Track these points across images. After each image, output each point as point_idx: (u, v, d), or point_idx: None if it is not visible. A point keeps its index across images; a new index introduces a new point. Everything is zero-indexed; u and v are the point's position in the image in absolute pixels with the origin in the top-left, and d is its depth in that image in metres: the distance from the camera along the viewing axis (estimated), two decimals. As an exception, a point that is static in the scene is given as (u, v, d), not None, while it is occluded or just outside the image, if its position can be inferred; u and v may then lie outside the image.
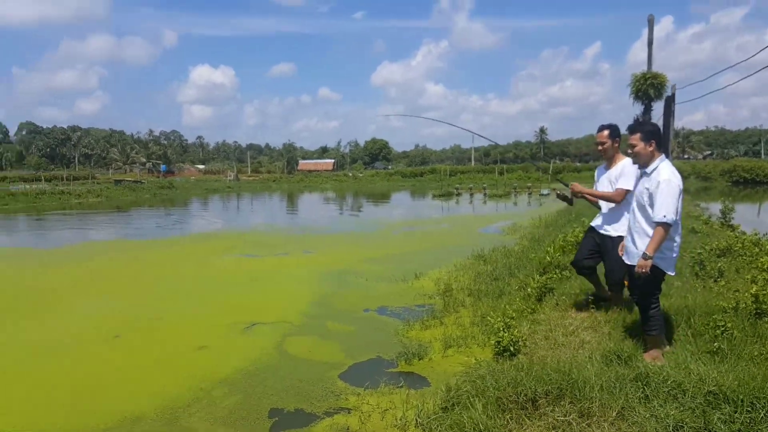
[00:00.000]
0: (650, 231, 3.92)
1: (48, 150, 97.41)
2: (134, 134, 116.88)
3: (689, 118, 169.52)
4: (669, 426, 3.02)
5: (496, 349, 4.69)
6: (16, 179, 56.90)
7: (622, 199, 4.77)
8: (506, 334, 4.61)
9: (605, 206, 5.01)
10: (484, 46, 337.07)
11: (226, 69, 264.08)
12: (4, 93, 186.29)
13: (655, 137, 4.05)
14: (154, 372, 5.15)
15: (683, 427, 3.02)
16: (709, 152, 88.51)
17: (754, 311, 4.37)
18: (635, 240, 4.08)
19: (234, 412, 4.28)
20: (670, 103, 16.62)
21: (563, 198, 5.50)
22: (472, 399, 3.55)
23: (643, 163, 4.07)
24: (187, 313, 7.20)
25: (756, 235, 7.93)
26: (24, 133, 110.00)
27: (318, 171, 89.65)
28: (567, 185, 5.30)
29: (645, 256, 3.83)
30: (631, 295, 4.32)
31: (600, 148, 5.01)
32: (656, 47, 18.63)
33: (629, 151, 4.16)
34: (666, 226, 3.81)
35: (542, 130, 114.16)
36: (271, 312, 7.10)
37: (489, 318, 5.42)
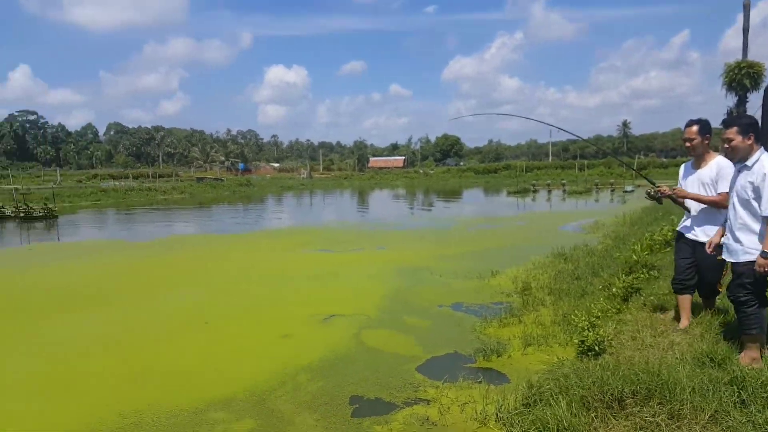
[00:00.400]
0: (756, 226, 3.82)
1: (134, 149, 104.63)
2: (213, 134, 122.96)
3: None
4: (769, 432, 2.87)
5: (580, 349, 4.58)
6: (105, 177, 60.99)
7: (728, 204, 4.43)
8: (591, 334, 4.49)
9: (696, 208, 4.77)
10: (562, 36, 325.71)
11: (298, 69, 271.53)
12: (94, 96, 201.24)
13: (753, 130, 3.90)
14: (242, 357, 5.44)
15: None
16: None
17: None
18: (738, 237, 3.94)
19: (317, 397, 4.45)
20: (768, 95, 15.35)
21: (653, 197, 5.25)
22: (555, 396, 3.51)
23: (741, 157, 3.95)
24: (270, 304, 7.55)
25: None
26: (112, 133, 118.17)
27: (388, 168, 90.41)
28: (654, 183, 5.14)
29: (764, 255, 3.68)
30: (729, 294, 4.12)
31: (688, 144, 4.73)
32: (752, 34, 17.36)
33: (725, 146, 4.00)
34: None
35: (625, 124, 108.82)
36: (348, 305, 7.30)
37: (572, 317, 5.29)
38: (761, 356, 3.81)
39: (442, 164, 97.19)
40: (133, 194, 37.46)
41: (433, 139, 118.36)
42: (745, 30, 18.42)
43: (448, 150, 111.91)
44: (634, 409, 3.28)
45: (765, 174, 3.71)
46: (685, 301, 4.91)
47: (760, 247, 3.77)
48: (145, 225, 20.13)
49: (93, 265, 11.10)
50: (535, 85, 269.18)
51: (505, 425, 3.71)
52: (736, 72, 17.61)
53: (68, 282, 9.44)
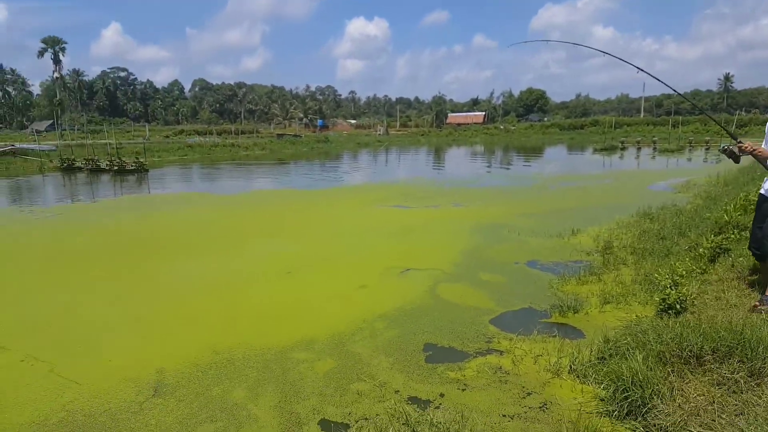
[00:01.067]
0: None
1: (217, 105, 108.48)
2: (293, 90, 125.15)
3: None
4: None
5: (661, 306, 4.49)
6: (191, 132, 63.04)
7: None
8: (673, 292, 4.39)
9: None
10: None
11: (379, 21, 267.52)
12: (180, 52, 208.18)
13: None
14: (322, 304, 5.80)
15: None
16: None
17: None
18: None
19: (393, 343, 4.70)
20: None
21: (730, 154, 4.68)
22: (631, 350, 3.53)
23: None
24: (348, 256, 7.88)
25: None
26: (197, 89, 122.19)
27: (467, 124, 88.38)
28: (736, 139, 4.64)
29: None
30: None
31: None
32: None
33: None
34: None
35: (727, 78, 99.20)
36: (423, 259, 7.48)
37: (655, 275, 5.16)
38: None
39: (525, 120, 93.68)
40: (217, 150, 39.22)
41: (516, 93, 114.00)
42: None
43: (532, 105, 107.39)
44: (712, 365, 3.24)
45: None
46: (765, 267, 4.54)
47: None
48: (229, 179, 21.24)
49: (185, 215, 11.98)
50: (631, 35, 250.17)
51: (578, 377, 3.78)
52: None
53: (164, 231, 10.29)
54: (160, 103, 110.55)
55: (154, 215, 12.30)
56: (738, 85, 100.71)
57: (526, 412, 3.45)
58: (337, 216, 11.56)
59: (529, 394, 3.69)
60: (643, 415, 3.11)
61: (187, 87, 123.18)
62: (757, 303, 4.19)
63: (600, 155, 31.04)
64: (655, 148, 34.54)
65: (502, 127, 76.36)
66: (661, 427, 2.95)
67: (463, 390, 3.81)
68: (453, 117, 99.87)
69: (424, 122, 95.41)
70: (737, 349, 3.24)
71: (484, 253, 7.74)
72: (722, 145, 4.68)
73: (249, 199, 14.97)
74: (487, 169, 25.02)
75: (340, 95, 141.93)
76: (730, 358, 3.23)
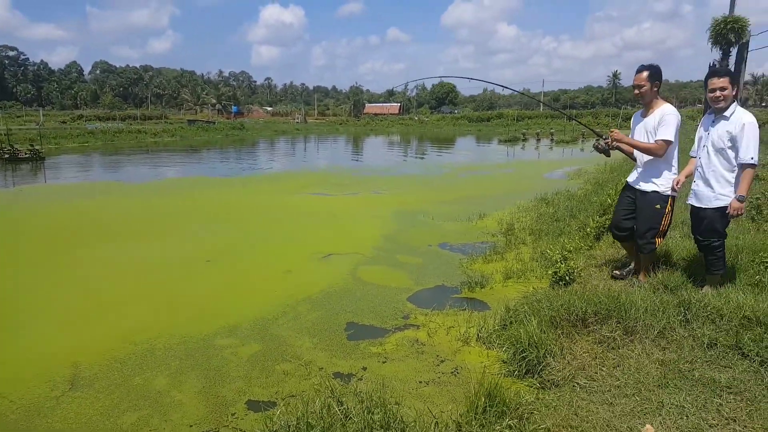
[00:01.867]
0: (729, 175, 4.03)
1: (121, 89, 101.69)
2: (204, 75, 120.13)
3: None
4: (704, 343, 3.40)
5: (553, 279, 5.10)
6: (91, 118, 58.54)
7: (663, 153, 4.36)
8: (563, 265, 5.01)
9: (641, 159, 4.61)
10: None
11: (295, 8, 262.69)
12: (79, 32, 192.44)
13: (737, 82, 4.14)
14: (246, 291, 5.91)
15: (716, 344, 3.39)
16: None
17: (807, 251, 4.52)
18: (712, 184, 4.12)
19: (316, 324, 4.94)
20: (743, 50, 15.85)
21: (601, 150, 4.89)
22: (528, 317, 4.02)
23: (726, 106, 4.04)
24: (271, 243, 8.00)
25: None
26: (98, 72, 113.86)
27: (384, 114, 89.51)
28: (602, 136, 4.85)
29: (741, 198, 3.94)
30: (702, 239, 4.26)
31: (637, 91, 4.52)
32: None
33: (717, 94, 4.01)
34: (754, 167, 3.92)
35: (615, 75, 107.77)
36: (345, 244, 7.77)
37: (548, 251, 5.80)
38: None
39: (438, 111, 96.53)
40: (122, 136, 36.83)
41: (429, 86, 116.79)
42: (733, -14, 18.47)
43: (443, 97, 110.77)
44: (595, 326, 3.80)
45: (744, 124, 3.90)
46: (627, 244, 4.96)
47: (731, 193, 4.03)
48: (138, 167, 20.28)
49: (97, 205, 11.41)
50: (533, 33, 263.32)
51: (484, 344, 4.25)
52: (722, 26, 17.77)
53: (75, 221, 9.77)
54: (55, 85, 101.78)
55: (64, 205, 11.59)
56: (625, 82, 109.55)
57: (439, 377, 3.85)
58: (258, 203, 11.54)
59: (442, 361, 4.09)
60: (539, 372, 3.60)
61: (87, 69, 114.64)
62: (617, 272, 4.99)
63: (504, 146, 32.86)
64: (552, 140, 37.07)
65: (416, 118, 78.18)
66: (554, 381, 3.44)
67: (384, 362, 4.14)
68: (370, 107, 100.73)
69: (342, 111, 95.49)
70: (614, 312, 3.83)
71: (401, 237, 8.17)
72: (594, 142, 4.99)
73: (162, 187, 14.47)
74: (403, 158, 25.68)
75: (255, 81, 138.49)
76: (609, 320, 3.81)
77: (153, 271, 6.63)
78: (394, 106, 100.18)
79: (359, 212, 10.35)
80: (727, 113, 4.05)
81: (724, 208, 4.08)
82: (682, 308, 3.75)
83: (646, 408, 2.91)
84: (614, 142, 4.67)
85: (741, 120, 3.94)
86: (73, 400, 3.69)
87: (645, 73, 4.42)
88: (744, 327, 3.41)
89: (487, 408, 2.89)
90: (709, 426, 2.70)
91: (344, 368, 4.07)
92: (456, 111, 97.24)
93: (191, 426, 3.38)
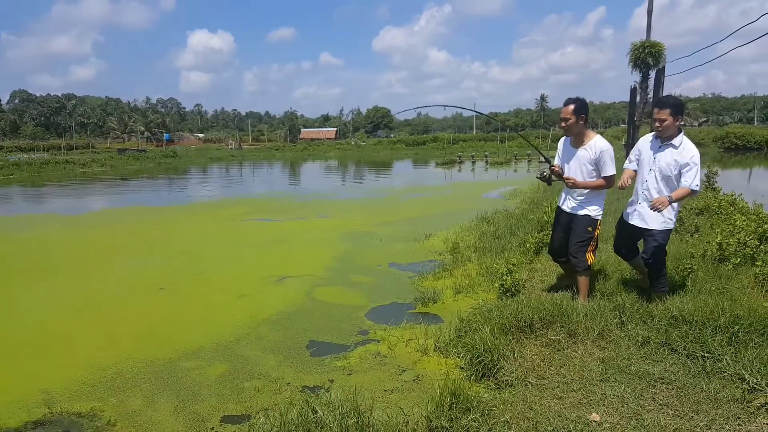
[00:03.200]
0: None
1: (42, 119, 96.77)
2: (131, 102, 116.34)
3: (687, 85, 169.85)
4: (638, 342, 3.88)
5: (500, 291, 5.52)
6: (12, 149, 55.98)
7: (612, 184, 4.60)
8: (509, 278, 5.43)
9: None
10: (488, 11, 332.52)
11: (224, 34, 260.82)
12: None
13: (681, 112, 4.26)
14: (204, 315, 5.96)
15: (649, 342, 3.87)
16: (705, 119, 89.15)
17: (718, 257, 5.19)
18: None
19: (279, 344, 5.09)
20: (660, 75, 17.42)
21: (545, 179, 5.08)
22: (481, 325, 4.38)
23: (668, 135, 4.28)
24: (222, 269, 8.02)
25: (732, 195, 8.73)
26: (17, 101, 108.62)
27: (320, 139, 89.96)
28: (550, 161, 5.05)
29: (670, 199, 4.09)
30: (650, 258, 4.47)
31: (564, 125, 4.65)
32: (659, 13, 19.33)
33: (657, 125, 4.27)
34: (695, 192, 4.26)
35: (543, 98, 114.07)
36: (297, 267, 7.93)
37: (495, 265, 6.25)
38: None
39: (374, 136, 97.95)
40: (49, 167, 35.16)
41: (364, 110, 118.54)
42: (650, 12, 20.27)
43: (379, 122, 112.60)
44: (541, 331, 4.21)
45: (693, 155, 4.22)
46: (566, 269, 5.15)
47: (675, 216, 4.40)
48: (71, 198, 19.44)
49: (33, 238, 10.96)
50: (462, 58, 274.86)
51: (442, 353, 4.56)
52: (640, 51, 19.32)
53: (12, 256, 9.37)
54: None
55: (2, 239, 11.05)
56: (552, 104, 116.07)
57: (402, 385, 4.11)
58: (203, 231, 11.44)
59: (404, 371, 4.36)
60: (494, 374, 3.93)
61: (5, 99, 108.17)
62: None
63: (441, 168, 33.94)
64: (487, 162, 38.70)
65: (353, 142, 79.01)
66: (508, 381, 3.78)
67: (350, 375, 4.36)
68: (306, 132, 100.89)
69: (277, 137, 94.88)
70: (558, 318, 4.26)
71: (352, 258, 8.42)
72: (538, 174, 5.16)
73: (100, 218, 13.98)
74: (345, 182, 26.01)
75: (185, 108, 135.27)
76: (553, 325, 4.23)
77: (104, 301, 6.53)
78: (330, 131, 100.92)
79: (307, 236, 10.52)
80: (675, 142, 4.29)
81: (670, 231, 4.46)
82: (617, 312, 4.24)
83: (591, 399, 3.30)
84: (570, 185, 4.71)
85: (690, 152, 4.20)
86: (50, 422, 3.75)
87: (571, 107, 4.59)
88: (672, 326, 3.92)
89: (453, 405, 3.19)
90: (646, 411, 3.12)
91: (312, 382, 4.26)
92: (392, 135, 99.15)
93: (170, 444, 3.47)
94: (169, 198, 18.99)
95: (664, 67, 18.22)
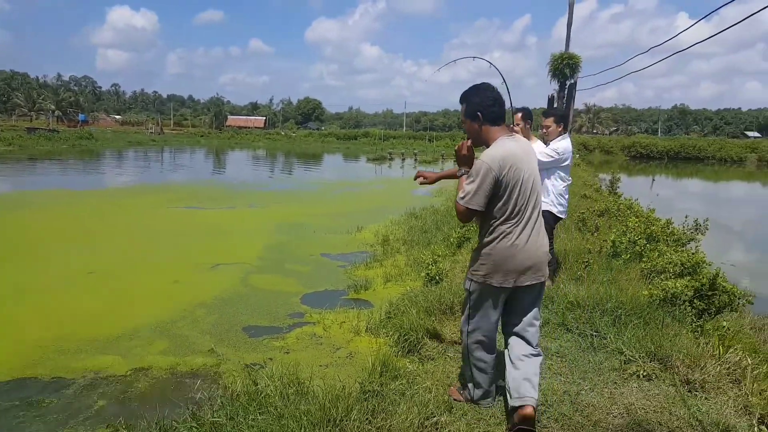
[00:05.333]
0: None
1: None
2: (40, 78, 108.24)
3: (601, 95, 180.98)
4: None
5: (426, 279, 6.07)
6: None
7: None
8: (434, 268, 5.99)
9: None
10: (421, 10, 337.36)
11: (147, 13, 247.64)
12: None
13: (564, 120, 5.22)
14: (137, 299, 6.06)
15: (549, 323, 4.51)
16: (615, 128, 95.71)
17: (612, 252, 6.01)
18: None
19: (216, 326, 5.33)
20: (572, 89, 18.89)
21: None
22: (408, 308, 4.88)
23: (552, 140, 5.15)
24: (153, 256, 8.05)
25: (630, 200, 9.87)
26: None
27: (248, 128, 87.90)
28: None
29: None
30: None
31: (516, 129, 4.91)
32: (580, 24, 20.87)
33: (543, 130, 5.10)
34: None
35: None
36: (231, 255, 8.11)
37: (422, 257, 6.80)
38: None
39: (304, 127, 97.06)
40: (-55, 144, 32.49)
41: (295, 101, 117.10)
42: (569, 25, 21.75)
43: (309, 113, 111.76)
44: (459, 313, 4.76)
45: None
46: None
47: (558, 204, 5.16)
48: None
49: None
50: (395, 55, 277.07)
51: (373, 333, 5.01)
52: (559, 62, 20.72)
53: None
54: None
55: None
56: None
57: (337, 361, 4.52)
58: (128, 218, 11.22)
59: (338, 349, 4.78)
60: (418, 350, 4.41)
61: None
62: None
63: (372, 164, 34.58)
64: (416, 159, 39.75)
65: (283, 133, 77.98)
66: (430, 356, 4.28)
67: (288, 353, 4.71)
68: (233, 119, 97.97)
69: (201, 123, 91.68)
70: (474, 301, 4.82)
71: (286, 248, 8.71)
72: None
73: (13, 201, 13.29)
74: (275, 173, 25.92)
75: (101, 87, 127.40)
76: (470, 307, 4.79)
77: (34, 288, 6.41)
78: (259, 120, 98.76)
79: (239, 225, 10.66)
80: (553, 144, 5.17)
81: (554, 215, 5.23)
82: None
83: (499, 369, 3.87)
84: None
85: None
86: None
87: (519, 115, 4.98)
88: (568, 309, 4.59)
89: (383, 372, 3.65)
90: (543, 379, 3.71)
91: (252, 359, 4.56)
92: (323, 128, 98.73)
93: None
94: (88, 182, 18.22)
95: (575, 83, 19.76)
